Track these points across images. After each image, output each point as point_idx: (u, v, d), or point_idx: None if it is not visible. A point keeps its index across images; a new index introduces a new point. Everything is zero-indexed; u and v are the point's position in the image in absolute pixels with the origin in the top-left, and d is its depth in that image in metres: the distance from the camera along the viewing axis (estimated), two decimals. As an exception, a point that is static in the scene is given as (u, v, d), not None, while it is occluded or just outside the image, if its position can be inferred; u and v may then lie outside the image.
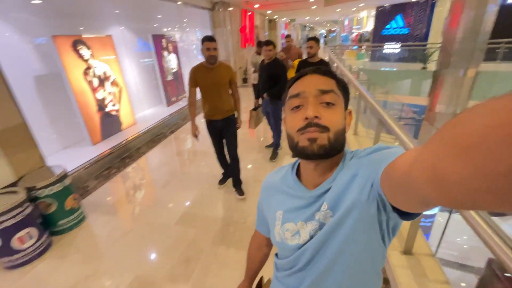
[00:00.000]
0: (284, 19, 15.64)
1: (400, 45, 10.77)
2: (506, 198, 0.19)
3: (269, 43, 2.90)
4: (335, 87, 0.54)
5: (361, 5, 10.75)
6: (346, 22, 16.39)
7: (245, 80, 8.51)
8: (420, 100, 8.29)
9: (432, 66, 8.38)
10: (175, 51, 5.92)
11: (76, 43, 3.40)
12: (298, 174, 0.63)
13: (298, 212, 0.57)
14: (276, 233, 0.61)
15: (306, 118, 0.50)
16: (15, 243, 1.79)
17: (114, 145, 3.66)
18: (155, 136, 4.46)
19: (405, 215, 0.43)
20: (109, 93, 4.01)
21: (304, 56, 3.57)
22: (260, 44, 4.73)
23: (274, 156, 3.32)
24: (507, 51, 8.00)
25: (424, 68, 8.62)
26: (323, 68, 0.56)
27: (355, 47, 13.65)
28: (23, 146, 2.16)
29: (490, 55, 8.94)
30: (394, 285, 1.51)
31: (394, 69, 10.09)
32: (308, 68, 0.56)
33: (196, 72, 2.26)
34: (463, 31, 5.61)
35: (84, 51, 3.53)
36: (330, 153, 0.51)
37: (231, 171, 2.64)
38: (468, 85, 6.32)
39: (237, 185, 2.62)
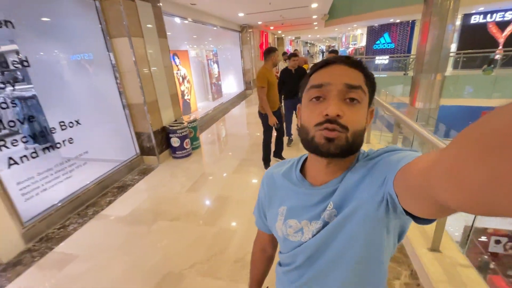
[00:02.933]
0: (290, 36, 18.14)
1: (388, 57, 13.03)
2: None
3: (295, 55, 3.80)
4: (363, 82, 0.49)
5: (354, 25, 13.13)
6: (344, 39, 18.91)
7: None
8: (404, 99, 10.39)
9: (411, 73, 10.56)
10: (217, 61, 8.11)
11: (174, 55, 5.54)
12: (301, 169, 0.60)
13: (303, 210, 0.55)
14: (277, 228, 0.60)
15: (327, 115, 0.46)
16: (185, 144, 3.82)
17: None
18: (209, 118, 6.54)
19: (419, 219, 0.40)
20: (186, 87, 6.12)
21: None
22: (287, 55, 6.71)
23: (289, 142, 4.10)
24: (465, 60, 10.18)
25: (405, 74, 10.79)
26: (352, 59, 0.50)
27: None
28: (169, 108, 4.19)
29: (456, 64, 11.17)
30: (426, 281, 1.56)
31: (383, 76, 12.27)
32: (336, 55, 0.65)
33: (266, 73, 2.84)
34: (431, 45, 7.72)
35: (176, 60, 5.67)
36: (346, 154, 0.48)
37: (280, 142, 3.40)
38: (438, 86, 8.39)
39: (281, 154, 3.50)
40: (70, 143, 2.68)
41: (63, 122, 2.64)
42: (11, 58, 2.51)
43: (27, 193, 2.27)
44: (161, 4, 3.75)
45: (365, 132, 0.51)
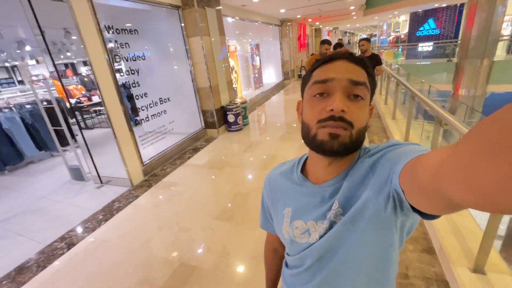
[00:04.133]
0: (328, 27, 18.20)
1: (432, 43, 12.57)
2: None
3: (341, 45, 4.96)
4: (366, 79, 0.49)
5: (395, 12, 12.86)
6: (385, 27, 18.33)
7: (299, 76, 11.34)
8: (447, 86, 10.14)
9: (456, 59, 10.22)
10: (258, 54, 9.00)
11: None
12: (302, 168, 0.60)
13: (308, 210, 0.55)
14: (284, 230, 0.59)
15: (331, 110, 0.45)
16: (238, 120, 4.81)
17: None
18: (253, 104, 7.49)
19: (426, 215, 0.39)
20: (234, 77, 7.13)
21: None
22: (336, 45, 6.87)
23: None
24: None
25: (449, 61, 10.46)
26: (356, 55, 0.50)
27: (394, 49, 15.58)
28: (226, 91, 5.18)
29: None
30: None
31: (427, 63, 11.95)
32: (339, 52, 0.51)
33: (313, 59, 3.44)
34: (477, 30, 7.54)
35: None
36: (349, 151, 0.48)
37: None
38: (485, 72, 8.14)
39: None
40: (158, 116, 3.82)
41: (153, 100, 3.78)
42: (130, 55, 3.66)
43: (143, 144, 3.44)
44: (221, 7, 4.72)
45: (367, 129, 0.50)
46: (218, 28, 4.66)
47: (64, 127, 3.24)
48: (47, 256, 2.15)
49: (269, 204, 0.67)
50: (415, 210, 0.39)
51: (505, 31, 12.08)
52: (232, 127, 4.86)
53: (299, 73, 11.41)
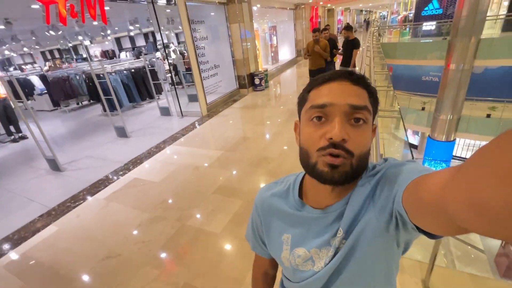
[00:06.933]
0: (340, 7, 19.25)
1: (435, 23, 13.75)
2: None
3: (350, 27, 6.92)
4: (367, 101, 0.47)
5: (403, -7, 13.98)
6: (395, 6, 19.13)
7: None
8: (442, 62, 11.60)
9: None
10: (276, 34, 10.80)
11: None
12: (299, 190, 0.57)
13: (310, 237, 0.53)
14: (284, 258, 0.57)
15: (331, 139, 0.43)
16: (262, 82, 6.88)
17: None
18: (270, 75, 9.48)
19: (431, 234, 0.38)
20: (257, 53, 9.09)
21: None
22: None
23: None
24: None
25: (444, 39, 11.80)
26: (356, 75, 0.47)
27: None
28: (253, 62, 7.18)
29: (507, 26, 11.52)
30: None
31: (428, 41, 13.26)
32: (338, 71, 0.48)
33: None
34: (467, 10, 8.96)
35: (251, 34, 8.61)
36: (351, 180, 0.46)
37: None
38: (473, 49, 9.58)
39: None
40: (213, 76, 5.95)
41: (211, 66, 5.91)
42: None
43: (206, 94, 5.63)
44: (251, 0, 6.65)
45: (369, 153, 0.48)
46: (249, 16, 6.61)
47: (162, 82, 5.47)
48: (155, 147, 4.44)
49: (261, 228, 0.63)
50: (420, 229, 0.38)
51: (502, 10, 13.05)
52: (258, 87, 6.94)
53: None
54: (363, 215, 0.47)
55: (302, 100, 0.52)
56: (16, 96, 4.10)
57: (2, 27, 5.20)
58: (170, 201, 2.74)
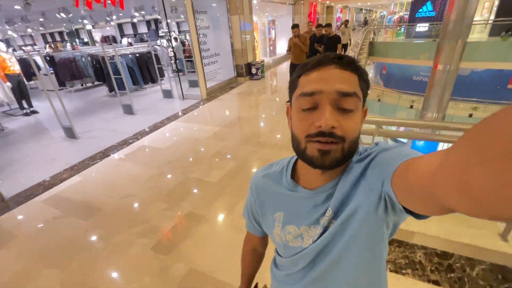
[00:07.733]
0: (339, 5, 19.67)
1: (428, 24, 14.34)
2: None
3: (347, 22, 7.65)
4: (357, 86, 0.46)
5: (399, -6, 14.50)
6: (392, 7, 19.64)
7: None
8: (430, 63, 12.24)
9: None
10: (274, 28, 11.24)
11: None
12: (292, 171, 0.60)
13: (300, 215, 0.55)
14: (275, 234, 0.60)
15: (320, 126, 0.44)
16: (258, 72, 7.39)
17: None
18: (267, 66, 9.97)
19: (418, 215, 0.39)
20: (255, 44, 9.55)
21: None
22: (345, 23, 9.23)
23: None
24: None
25: (434, 40, 12.41)
26: (346, 58, 0.46)
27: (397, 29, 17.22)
28: (251, 53, 7.67)
29: (494, 31, 12.18)
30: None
31: (421, 42, 13.86)
32: (327, 54, 0.47)
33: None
34: (455, 15, 9.56)
35: (251, 27, 9.07)
36: (342, 163, 0.48)
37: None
38: (459, 51, 10.20)
39: None
40: (213, 64, 6.43)
41: (211, 53, 6.39)
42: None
43: (206, 79, 6.12)
44: (251, -5, 7.10)
45: (359, 136, 0.49)
46: (249, 9, 7.07)
47: (165, 67, 5.94)
48: (160, 123, 4.95)
49: (256, 208, 0.66)
50: (407, 211, 0.39)
51: (493, 16, 13.67)
52: (254, 76, 7.45)
53: (307, 46, 13.63)
54: (353, 197, 0.48)
55: (292, 85, 0.51)
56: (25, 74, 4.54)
57: (18, 7, 5.58)
58: (175, 162, 3.28)
